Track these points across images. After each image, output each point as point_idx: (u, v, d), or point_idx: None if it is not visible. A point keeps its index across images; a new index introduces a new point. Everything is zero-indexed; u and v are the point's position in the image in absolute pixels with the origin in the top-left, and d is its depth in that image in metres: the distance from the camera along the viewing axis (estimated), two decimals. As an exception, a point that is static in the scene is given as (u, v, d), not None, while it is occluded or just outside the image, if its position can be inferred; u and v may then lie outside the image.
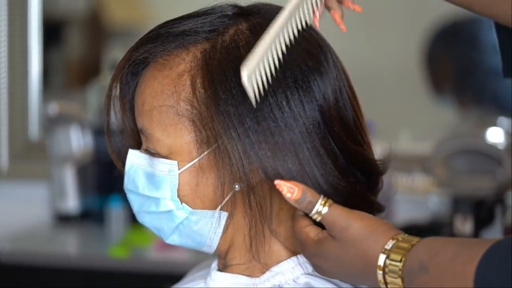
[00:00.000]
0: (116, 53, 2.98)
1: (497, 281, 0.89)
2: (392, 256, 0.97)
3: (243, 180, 1.06)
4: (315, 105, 1.06)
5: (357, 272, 1.01)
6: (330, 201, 1.03)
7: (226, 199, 1.07)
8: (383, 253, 0.98)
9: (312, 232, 1.04)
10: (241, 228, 1.10)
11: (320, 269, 1.05)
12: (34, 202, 2.84)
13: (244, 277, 1.11)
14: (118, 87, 1.13)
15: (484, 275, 0.90)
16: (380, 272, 0.98)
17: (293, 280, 1.10)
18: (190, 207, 1.08)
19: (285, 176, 1.04)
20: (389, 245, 0.98)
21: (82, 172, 2.76)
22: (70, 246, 2.73)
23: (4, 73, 2.91)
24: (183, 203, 1.08)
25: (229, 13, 1.10)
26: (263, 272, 1.11)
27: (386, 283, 0.98)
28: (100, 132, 2.70)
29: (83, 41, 3.25)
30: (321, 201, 1.03)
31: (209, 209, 1.08)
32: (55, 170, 2.76)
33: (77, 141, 2.76)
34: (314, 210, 1.03)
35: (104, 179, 2.69)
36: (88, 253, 2.56)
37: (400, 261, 0.96)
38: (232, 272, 1.13)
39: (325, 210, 1.02)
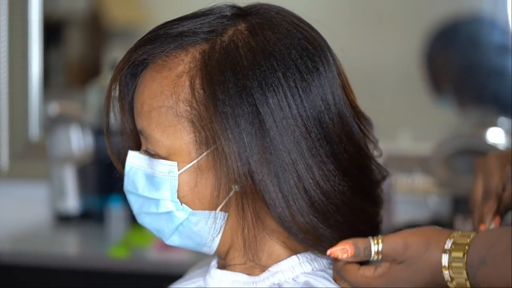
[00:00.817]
0: (116, 53, 2.98)
1: None
2: (454, 254, 1.01)
3: (237, 181, 1.06)
4: (314, 106, 1.07)
5: (429, 283, 1.04)
6: (378, 236, 1.05)
7: (225, 200, 1.07)
8: (445, 253, 1.01)
9: (368, 272, 1.06)
10: (239, 229, 1.09)
11: None
12: (34, 202, 2.84)
13: (244, 275, 1.11)
14: (117, 88, 1.13)
15: None
16: (446, 272, 1.01)
17: (292, 279, 1.10)
18: (190, 208, 1.08)
19: (269, 182, 1.05)
20: (448, 244, 1.02)
21: (82, 172, 2.76)
22: (70, 246, 2.73)
23: (5, 73, 2.91)
24: (183, 204, 1.08)
25: (228, 13, 1.10)
26: (263, 271, 1.11)
27: (452, 279, 1.01)
28: (100, 132, 2.70)
29: (83, 41, 3.25)
30: (373, 242, 1.05)
31: (208, 210, 1.08)
32: (55, 170, 2.76)
33: (77, 141, 2.76)
34: (373, 253, 1.05)
35: (104, 179, 2.69)
36: (88, 253, 2.56)
37: (463, 257, 1.00)
38: (231, 271, 1.13)
39: (381, 247, 1.05)
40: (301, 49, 1.07)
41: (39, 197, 2.84)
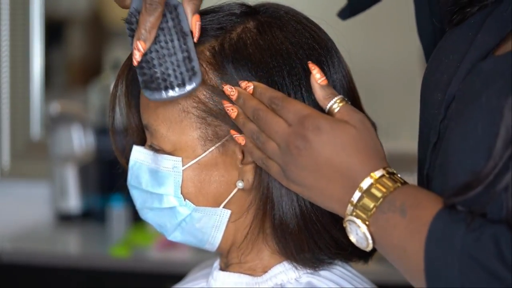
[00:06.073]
0: (118, 52, 2.98)
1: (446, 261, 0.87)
2: (376, 186, 0.95)
3: (243, 178, 1.06)
4: (315, 106, 1.06)
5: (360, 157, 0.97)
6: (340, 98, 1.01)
7: (229, 197, 1.07)
8: (371, 178, 0.95)
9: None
10: (243, 226, 1.10)
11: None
12: (35, 201, 2.85)
13: (246, 276, 1.11)
14: (124, 83, 1.13)
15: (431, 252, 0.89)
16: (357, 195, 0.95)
17: (295, 279, 1.10)
18: (193, 204, 1.08)
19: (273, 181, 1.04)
20: (377, 174, 0.96)
21: (83, 172, 2.76)
22: (71, 246, 2.73)
23: (6, 72, 2.91)
24: (186, 200, 1.08)
25: (237, 11, 1.10)
26: (265, 271, 1.11)
27: (358, 200, 0.95)
28: (101, 131, 2.70)
29: (85, 41, 3.26)
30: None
31: (211, 206, 1.08)
32: (56, 169, 2.76)
33: (79, 140, 2.76)
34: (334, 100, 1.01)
35: (105, 178, 2.69)
36: (90, 253, 2.56)
37: (384, 193, 0.94)
38: (234, 271, 1.13)
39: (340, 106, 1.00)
40: (308, 49, 1.08)
41: (41, 197, 2.84)
